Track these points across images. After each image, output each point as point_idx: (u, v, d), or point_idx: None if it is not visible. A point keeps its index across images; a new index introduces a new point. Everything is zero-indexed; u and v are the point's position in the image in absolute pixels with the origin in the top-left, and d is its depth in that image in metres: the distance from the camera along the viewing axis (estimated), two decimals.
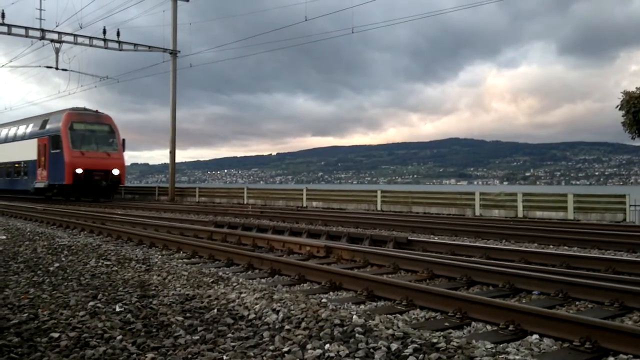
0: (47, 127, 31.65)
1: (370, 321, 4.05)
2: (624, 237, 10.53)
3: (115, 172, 30.33)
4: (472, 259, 8.02)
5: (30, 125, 34.16)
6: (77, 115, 30.75)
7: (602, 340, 3.81)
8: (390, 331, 3.78)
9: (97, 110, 31.93)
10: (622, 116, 21.06)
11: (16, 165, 35.20)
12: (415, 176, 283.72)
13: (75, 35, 30.00)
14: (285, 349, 3.50)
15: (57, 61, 30.57)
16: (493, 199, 19.97)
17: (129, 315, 4.38)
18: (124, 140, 31.95)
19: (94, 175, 29.46)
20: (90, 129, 30.68)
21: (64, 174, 29.04)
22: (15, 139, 35.96)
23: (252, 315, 4.34)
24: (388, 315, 4.63)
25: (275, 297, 4.87)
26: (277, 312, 4.34)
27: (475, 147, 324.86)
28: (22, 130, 35.31)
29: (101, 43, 30.16)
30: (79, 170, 28.99)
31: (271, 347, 3.55)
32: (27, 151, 33.08)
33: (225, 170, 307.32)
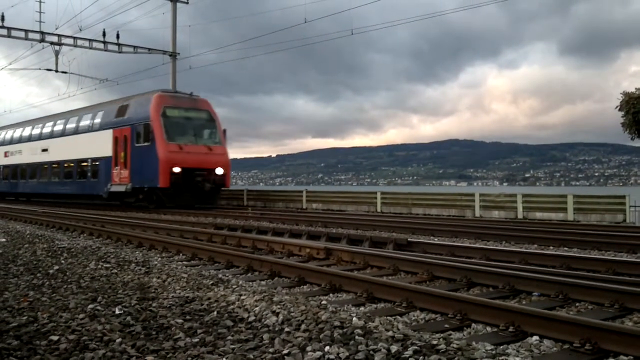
0: (128, 114, 24.28)
1: (370, 323, 4.04)
2: (624, 238, 10.52)
3: (219, 171, 23.12)
4: (472, 260, 8.01)
5: (100, 114, 26.66)
6: (170, 98, 23.81)
7: (602, 341, 3.80)
8: (390, 333, 3.78)
9: (191, 93, 24.85)
10: (622, 117, 21.07)
11: (80, 164, 27.51)
12: (415, 177, 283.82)
13: (75, 38, 30.00)
14: (285, 352, 3.49)
15: (56, 64, 30.54)
16: (493, 200, 19.97)
17: (128, 318, 4.37)
18: (224, 130, 24.56)
19: (195, 176, 22.37)
20: (186, 116, 23.54)
21: (156, 175, 21.91)
22: (77, 131, 28.21)
23: (251, 318, 4.34)
24: (388, 317, 4.63)
25: (275, 299, 4.87)
26: (277, 315, 4.34)
27: (475, 148, 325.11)
28: (86, 120, 27.62)
29: (101, 45, 30.14)
30: (177, 170, 21.85)
31: (271, 350, 3.55)
32: (97, 146, 25.86)
33: None
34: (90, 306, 4.77)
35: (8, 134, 36.74)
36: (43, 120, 33.12)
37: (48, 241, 10.30)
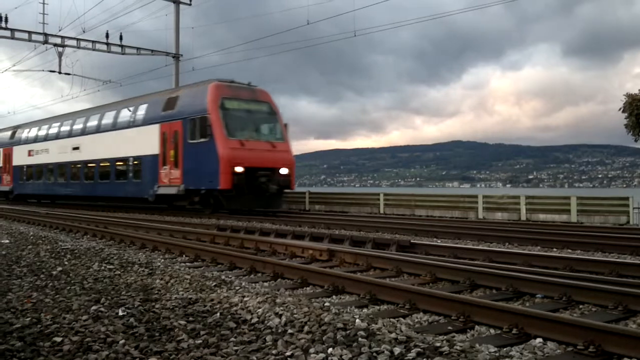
0: (179, 106, 21.28)
1: (373, 325, 4.04)
2: (628, 240, 10.49)
3: (284, 171, 20.11)
4: (475, 262, 8.00)
5: (143, 107, 23.52)
6: (228, 88, 20.70)
7: (606, 343, 3.79)
8: (393, 335, 3.77)
9: (249, 83, 21.80)
10: (625, 118, 21.03)
11: (119, 163, 24.51)
12: (418, 179, 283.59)
13: (78, 40, 30.12)
14: (288, 353, 3.49)
15: (60, 65, 30.68)
16: (496, 202, 19.94)
17: (131, 319, 4.37)
18: (286, 125, 21.65)
19: (258, 176, 19.40)
20: (246, 109, 20.70)
21: (216, 175, 18.97)
22: (115, 126, 25.09)
23: (254, 319, 4.34)
24: (391, 319, 4.62)
25: (278, 300, 4.87)
26: (280, 316, 4.34)
27: (478, 150, 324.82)
28: (126, 114, 24.46)
29: (104, 47, 30.23)
30: (239, 169, 18.92)
31: (274, 351, 3.55)
32: (140, 143, 22.86)
33: None
34: (94, 307, 4.78)
35: (32, 132, 33.33)
36: (73, 115, 29.97)
37: (51, 242, 10.32)
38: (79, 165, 27.60)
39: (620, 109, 21.08)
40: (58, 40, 29.71)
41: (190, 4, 31.96)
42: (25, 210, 22.44)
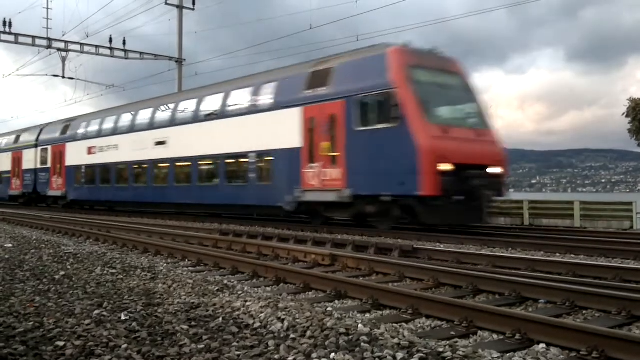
0: (337, 81, 15.29)
1: (375, 330, 4.03)
2: (631, 245, 10.46)
3: (495, 170, 14.09)
4: (478, 267, 7.99)
5: (271, 86, 17.59)
6: (414, 55, 14.74)
7: (609, 349, 3.78)
8: (396, 340, 3.76)
9: (435, 48, 15.58)
10: (629, 123, 21.04)
11: (230, 160, 18.90)
12: None
13: (81, 44, 30.27)
14: (291, 358, 3.49)
15: (63, 70, 30.86)
16: (499, 207, 19.90)
17: (134, 324, 4.37)
18: (488, 106, 15.81)
19: (468, 178, 13.34)
20: (439, 83, 14.84)
21: (412, 174, 13.14)
22: (223, 114, 19.16)
23: (257, 324, 4.33)
24: (394, 324, 4.61)
25: (280, 305, 4.86)
26: (282, 321, 4.33)
27: None
28: (243, 96, 18.61)
29: (107, 51, 30.40)
30: (447, 167, 13.07)
31: (276, 356, 3.54)
32: (269, 133, 17.10)
33: None
34: (96, 312, 4.78)
35: (93, 125, 27.14)
36: (154, 102, 23.94)
37: (54, 247, 10.34)
38: (165, 165, 21.82)
39: (623, 113, 21.11)
40: (62, 45, 29.90)
41: (193, 9, 32.11)
42: (29, 215, 22.49)
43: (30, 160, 31.44)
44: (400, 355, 3.46)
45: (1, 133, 39.13)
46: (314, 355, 3.51)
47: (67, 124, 29.41)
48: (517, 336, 4.25)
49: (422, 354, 3.46)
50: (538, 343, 4.16)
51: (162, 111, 22.67)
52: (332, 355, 3.49)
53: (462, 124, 14.64)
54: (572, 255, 9.64)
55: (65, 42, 30.02)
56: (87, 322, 4.43)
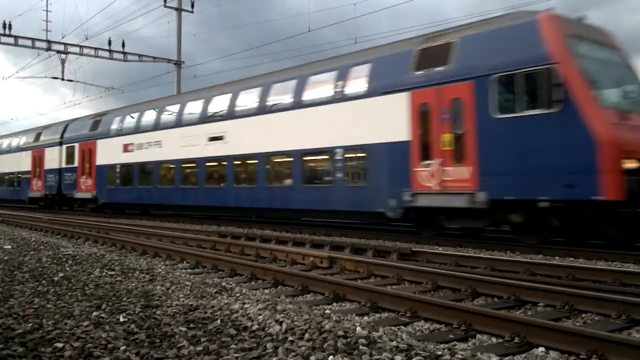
0: (463, 57, 12.27)
1: (374, 333, 4.03)
2: (631, 249, 10.45)
3: None
4: (477, 270, 7.99)
5: (363, 69, 14.68)
6: (572, 24, 11.80)
7: (609, 353, 3.78)
8: (394, 343, 3.76)
9: (584, 16, 12.33)
10: None
11: (307, 157, 16.05)
12: None
13: (81, 47, 30.29)
14: None
15: (62, 72, 30.87)
16: None
17: (132, 326, 4.37)
18: None
19: None
20: (604, 59, 11.92)
21: (589, 174, 10.09)
22: (300, 104, 16.16)
23: (255, 326, 4.33)
24: (392, 327, 4.61)
25: (278, 307, 4.86)
26: (281, 323, 4.33)
27: None
28: (324, 82, 15.67)
29: (106, 54, 30.39)
30: (633, 164, 10.06)
31: (274, 359, 3.54)
32: (363, 124, 14.21)
33: None
34: (95, 313, 4.77)
35: (128, 120, 23.95)
36: (205, 93, 20.75)
37: (53, 248, 10.32)
38: (222, 163, 18.84)
39: None
40: (61, 47, 29.89)
41: (192, 12, 32.14)
42: (28, 216, 22.45)
43: (54, 159, 28.51)
44: (398, 358, 3.46)
45: (17, 131, 36.36)
46: (312, 357, 3.51)
47: (97, 119, 26.32)
48: (516, 340, 4.24)
49: (420, 357, 3.46)
50: (537, 347, 4.15)
51: (218, 102, 19.59)
52: (331, 357, 3.49)
53: (636, 110, 11.48)
54: (571, 259, 9.64)
55: (65, 44, 30.03)
56: (85, 323, 4.43)
